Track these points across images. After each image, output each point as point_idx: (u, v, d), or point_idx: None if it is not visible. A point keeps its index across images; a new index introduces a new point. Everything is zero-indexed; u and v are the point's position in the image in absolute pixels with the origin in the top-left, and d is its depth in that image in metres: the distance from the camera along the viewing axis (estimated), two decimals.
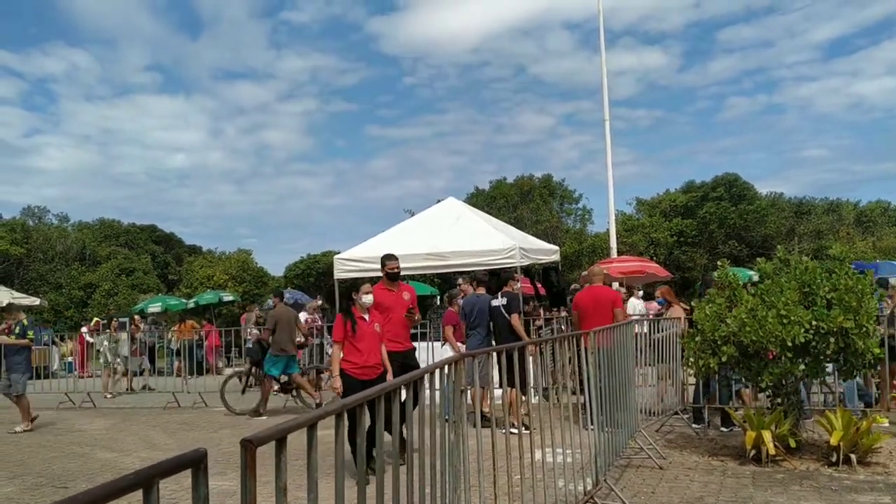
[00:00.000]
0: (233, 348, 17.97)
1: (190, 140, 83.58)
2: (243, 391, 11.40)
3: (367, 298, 6.88)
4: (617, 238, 20.78)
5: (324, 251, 39.66)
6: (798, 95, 66.92)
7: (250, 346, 12.47)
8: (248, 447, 1.73)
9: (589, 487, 5.36)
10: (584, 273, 9.48)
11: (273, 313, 11.33)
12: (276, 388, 11.07)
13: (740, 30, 67.09)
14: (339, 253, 12.57)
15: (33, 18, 77.28)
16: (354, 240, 14.96)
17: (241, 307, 25.50)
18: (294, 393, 11.21)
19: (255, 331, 14.64)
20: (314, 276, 37.75)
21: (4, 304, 22.20)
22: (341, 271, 11.61)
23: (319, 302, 17.29)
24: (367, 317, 6.83)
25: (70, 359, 19.46)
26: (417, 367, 6.36)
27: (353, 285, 7.15)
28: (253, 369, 11.37)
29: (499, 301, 8.89)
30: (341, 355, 6.66)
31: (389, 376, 6.40)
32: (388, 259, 7.82)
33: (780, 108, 67.55)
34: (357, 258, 11.66)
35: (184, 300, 25.87)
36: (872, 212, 44.37)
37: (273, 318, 11.04)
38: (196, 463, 1.59)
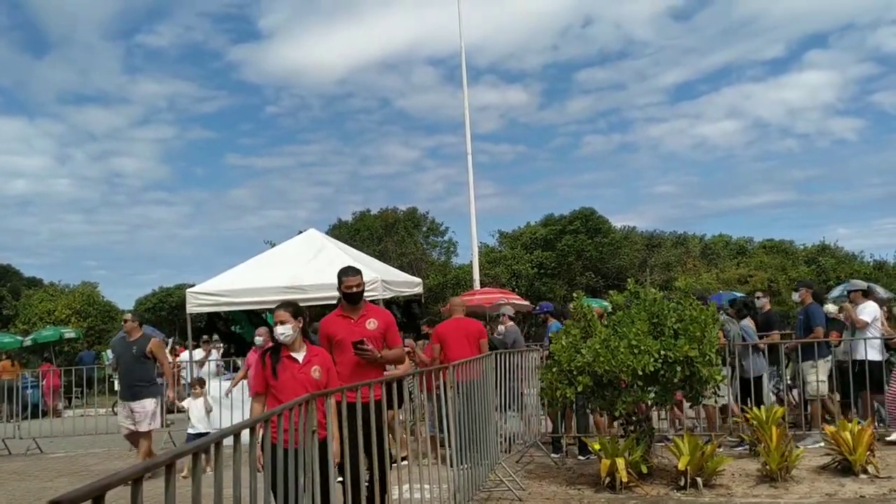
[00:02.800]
0: (73, 388, 16.65)
1: (33, 165, 77.86)
2: None
3: (283, 330, 4.71)
4: (480, 270, 21.10)
5: (178, 283, 37.80)
6: (648, 135, 71.06)
7: None
8: None
9: None
10: (445, 306, 9.48)
11: None
12: None
13: (595, 72, 70.67)
14: (190, 287, 11.95)
15: None
16: (212, 272, 14.37)
17: (86, 344, 23.86)
18: None
19: None
20: (166, 310, 35.84)
21: None
22: (194, 305, 11.04)
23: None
24: (299, 357, 4.77)
25: None
26: (381, 425, 4.46)
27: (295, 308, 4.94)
28: None
29: None
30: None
31: (335, 445, 4.25)
32: (344, 275, 5.60)
33: (633, 146, 71.50)
34: (211, 291, 11.11)
35: (20, 337, 23.84)
36: (716, 245, 47.72)
37: None
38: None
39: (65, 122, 75.73)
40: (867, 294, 9.14)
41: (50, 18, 71.54)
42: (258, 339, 9.26)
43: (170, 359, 11.91)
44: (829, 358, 8.51)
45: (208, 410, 9.16)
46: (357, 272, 5.60)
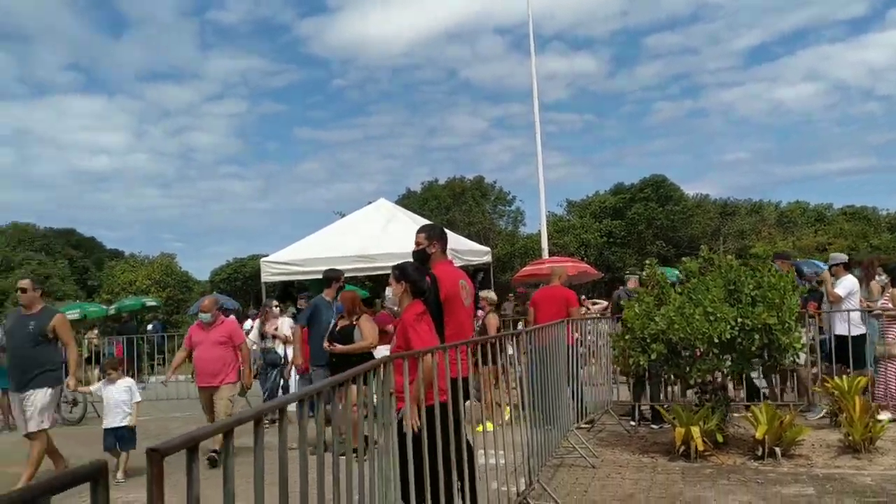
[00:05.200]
0: (149, 357, 17.39)
1: (113, 142, 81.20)
2: None
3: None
4: (548, 239, 20.96)
5: (251, 255, 38.84)
6: (721, 100, 69.31)
7: None
8: (155, 457, 1.58)
9: (522, 488, 5.31)
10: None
11: None
12: None
13: (666, 37, 69.07)
14: (264, 257, 12.25)
15: None
16: (283, 243, 14.66)
17: (165, 314, 24.73)
18: None
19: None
20: (241, 280, 36.95)
21: None
22: (269, 274, 11.32)
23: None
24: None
25: None
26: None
27: None
28: None
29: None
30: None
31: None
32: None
33: (704, 112, 69.82)
34: (285, 261, 11.37)
35: (104, 307, 24.90)
36: (792, 212, 46.24)
37: None
38: (94, 476, 1.42)
39: (142, 99, 78.47)
40: (848, 267, 8.72)
41: None
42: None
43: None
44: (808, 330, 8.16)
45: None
46: (420, 231, 5.34)
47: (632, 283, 9.68)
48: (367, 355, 7.34)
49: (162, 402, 12.41)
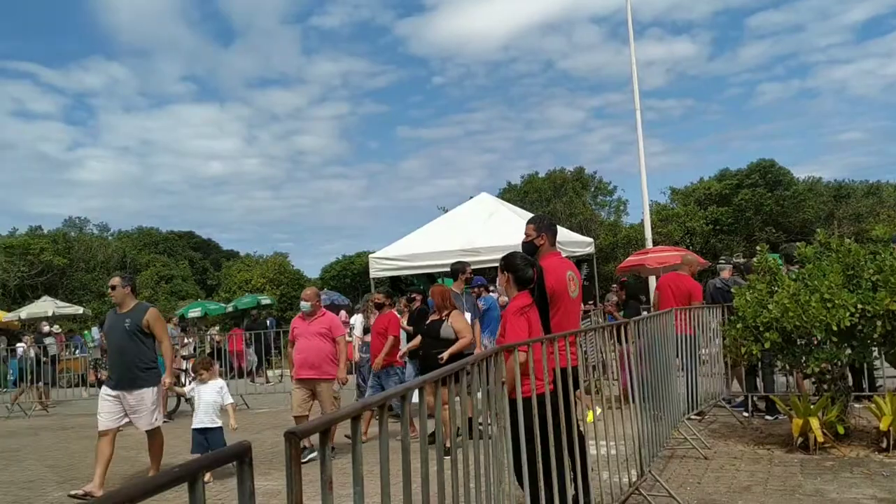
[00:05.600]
0: (266, 353, 18.11)
1: (226, 148, 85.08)
2: None
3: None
4: (652, 228, 20.56)
5: (358, 252, 39.92)
6: (832, 78, 65.61)
7: None
8: (293, 440, 1.70)
9: (633, 479, 5.30)
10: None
11: None
12: None
13: (770, 15, 66.01)
14: (373, 252, 12.61)
15: (74, 35, 79.39)
16: (388, 240, 15.01)
17: (279, 310, 25.67)
18: None
19: None
20: (350, 276, 38.04)
21: (49, 314, 22.76)
22: (377, 270, 11.66)
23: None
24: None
25: None
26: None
27: None
28: None
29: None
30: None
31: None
32: None
33: (814, 92, 66.30)
34: (392, 256, 11.69)
35: (223, 304, 26.18)
36: None
37: None
38: (241, 456, 1.57)
39: (251, 106, 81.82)
40: None
41: (234, 8, 76.84)
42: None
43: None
44: None
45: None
46: (530, 222, 5.35)
47: (726, 273, 9.39)
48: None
49: (279, 394, 12.99)
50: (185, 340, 15.17)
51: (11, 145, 76.00)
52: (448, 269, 9.73)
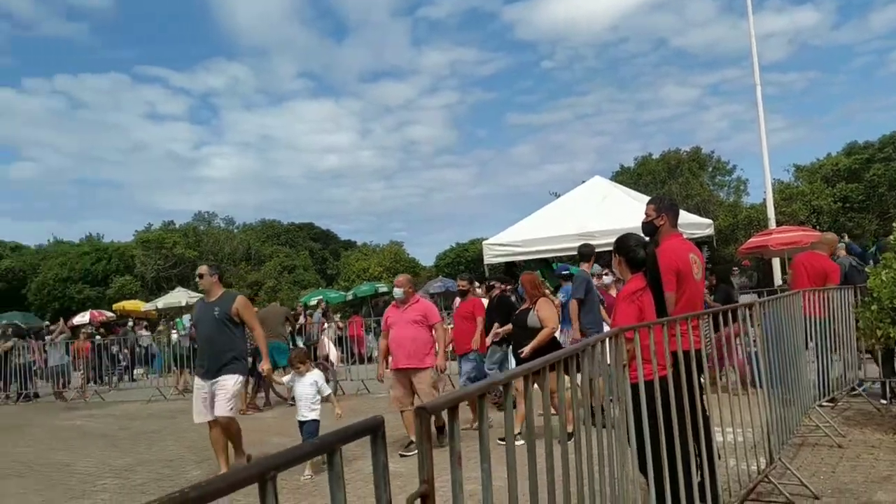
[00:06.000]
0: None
1: (341, 141, 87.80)
2: None
3: None
4: (775, 208, 19.67)
5: (472, 239, 40.25)
6: None
7: None
8: (423, 415, 1.75)
9: (762, 466, 5.15)
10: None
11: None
12: None
13: None
14: (486, 239, 12.71)
15: (197, 39, 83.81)
16: (500, 227, 15.02)
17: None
18: None
19: None
20: (464, 263, 38.43)
21: (182, 304, 24.25)
22: (491, 256, 11.75)
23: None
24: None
25: None
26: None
27: None
28: None
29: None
30: None
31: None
32: None
33: None
34: (505, 243, 11.75)
35: (342, 293, 27.04)
36: None
37: None
38: (374, 430, 1.64)
39: (364, 99, 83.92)
40: None
41: (346, 4, 78.77)
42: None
43: None
44: None
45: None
46: (650, 202, 5.25)
47: (841, 252, 8.83)
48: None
49: None
50: (325, 325, 15.76)
51: (145, 146, 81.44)
52: (561, 255, 9.70)
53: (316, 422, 6.81)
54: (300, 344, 16.00)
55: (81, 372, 16.98)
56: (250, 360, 11.92)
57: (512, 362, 8.45)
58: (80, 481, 7.38)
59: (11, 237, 57.11)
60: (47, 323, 25.39)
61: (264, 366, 7.01)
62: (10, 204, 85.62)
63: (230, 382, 6.68)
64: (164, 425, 10.89)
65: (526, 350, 7.32)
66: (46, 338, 17.35)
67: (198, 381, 6.92)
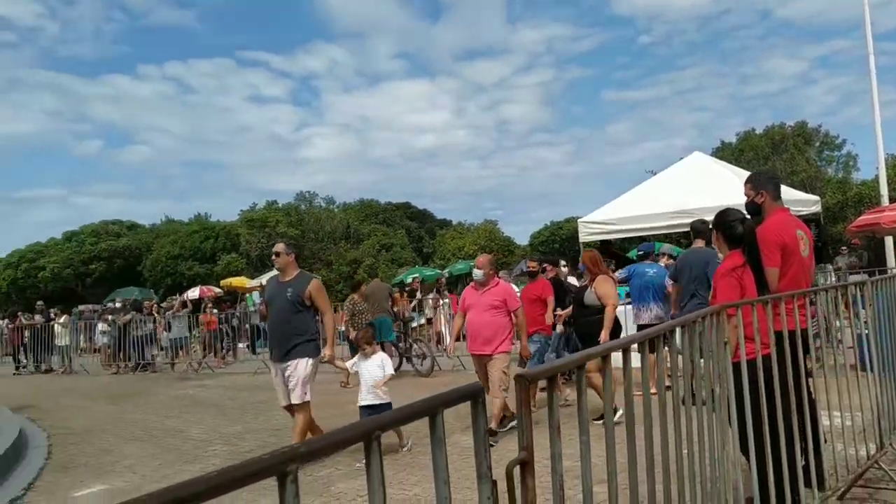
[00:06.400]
0: None
1: (436, 121, 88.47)
2: None
3: None
4: (888, 184, 18.57)
5: (566, 217, 39.88)
6: None
7: None
8: (524, 383, 1.75)
9: (872, 452, 4.96)
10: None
11: None
12: None
13: None
14: (580, 218, 12.60)
15: (297, 22, 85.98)
16: (596, 205, 14.83)
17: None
18: None
19: None
20: (558, 242, 38.18)
21: None
22: (586, 234, 11.63)
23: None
24: None
25: (342, 327, 21.44)
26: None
27: None
28: None
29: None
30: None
31: None
32: None
33: None
34: (601, 220, 11.60)
35: (438, 271, 27.37)
36: None
37: None
38: (475, 395, 1.69)
39: (459, 78, 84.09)
40: None
41: None
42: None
43: None
44: None
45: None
46: (746, 182, 5.16)
47: None
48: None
49: None
50: (441, 302, 15.99)
51: (250, 128, 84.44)
52: (657, 233, 9.51)
53: (388, 404, 6.51)
54: (422, 321, 16.18)
55: (200, 344, 17.95)
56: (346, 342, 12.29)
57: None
58: (193, 447, 7.87)
59: (128, 217, 60.42)
60: (156, 300, 26.72)
61: (327, 352, 6.72)
62: (127, 185, 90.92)
63: (301, 366, 6.42)
64: (270, 396, 11.28)
65: (603, 335, 7.26)
66: (167, 313, 18.39)
67: (271, 364, 6.82)
